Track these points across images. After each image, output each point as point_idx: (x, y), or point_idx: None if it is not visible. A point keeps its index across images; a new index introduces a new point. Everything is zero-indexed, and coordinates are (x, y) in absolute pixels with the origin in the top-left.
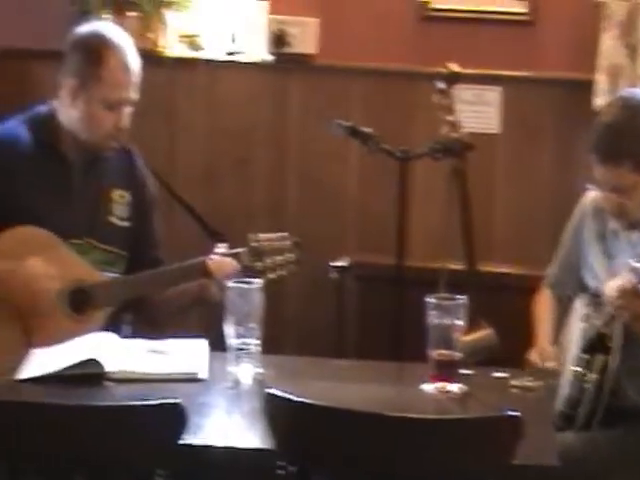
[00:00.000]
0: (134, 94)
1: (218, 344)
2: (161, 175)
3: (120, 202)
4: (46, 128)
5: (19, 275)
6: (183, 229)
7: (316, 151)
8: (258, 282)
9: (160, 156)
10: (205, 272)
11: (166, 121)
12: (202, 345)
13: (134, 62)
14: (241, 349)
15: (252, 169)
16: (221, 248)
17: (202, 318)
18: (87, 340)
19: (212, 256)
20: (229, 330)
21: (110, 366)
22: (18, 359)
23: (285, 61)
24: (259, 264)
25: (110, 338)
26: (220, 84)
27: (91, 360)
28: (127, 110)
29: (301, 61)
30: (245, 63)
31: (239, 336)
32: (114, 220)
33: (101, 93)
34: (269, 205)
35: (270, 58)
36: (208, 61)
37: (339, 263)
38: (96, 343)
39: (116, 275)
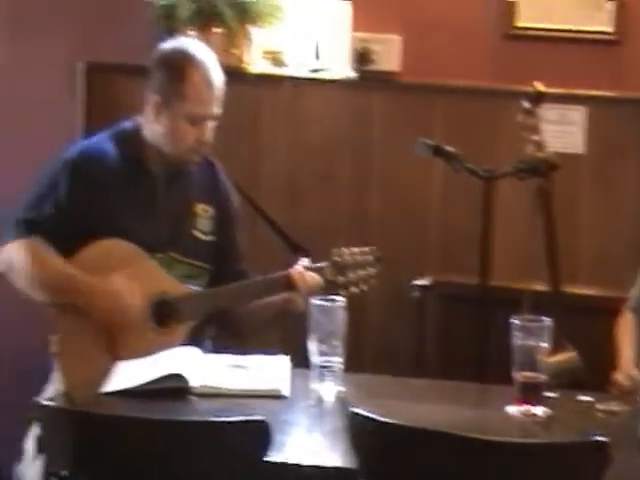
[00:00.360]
0: (217, 109)
1: (299, 361)
2: (244, 189)
3: (204, 216)
4: (131, 143)
5: (104, 289)
6: (265, 242)
7: (399, 169)
8: (341, 300)
9: (244, 171)
10: (289, 285)
11: (250, 137)
12: (284, 361)
13: (217, 78)
14: (324, 367)
15: (335, 185)
16: (304, 262)
17: (283, 334)
18: (171, 354)
19: (295, 269)
20: (312, 347)
21: (194, 381)
22: (103, 372)
23: (368, 78)
24: (341, 278)
25: (193, 352)
26: (303, 101)
27: (176, 374)
28: (210, 125)
29: (384, 79)
30: (328, 80)
31: (322, 354)
32: (198, 234)
33: (184, 109)
34: (351, 221)
35: (353, 75)
36: (292, 78)
37: (421, 282)
38: (180, 357)
39: (199, 288)
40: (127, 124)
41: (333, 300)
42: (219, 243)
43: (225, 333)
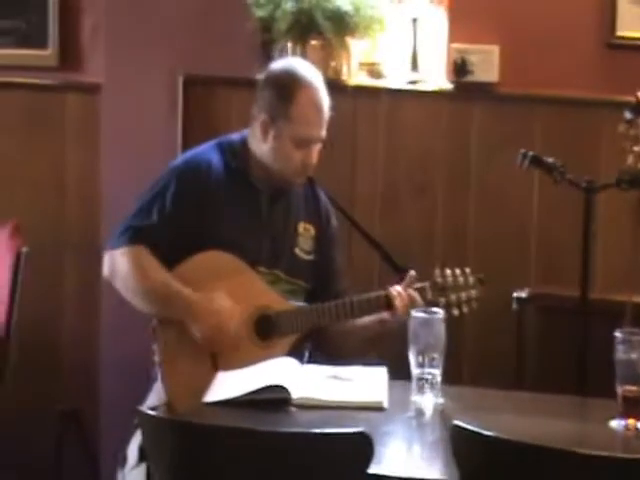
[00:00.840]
0: (323, 132)
1: (396, 372)
2: (342, 206)
3: (305, 235)
4: (238, 155)
5: (205, 308)
6: (363, 260)
7: (497, 180)
8: (441, 312)
9: (340, 183)
10: (388, 305)
11: (347, 149)
12: (381, 373)
13: (325, 100)
14: (423, 379)
15: (432, 197)
16: (410, 276)
17: (381, 350)
18: (271, 365)
19: (394, 289)
20: (411, 359)
21: (294, 392)
22: (205, 383)
23: (466, 90)
24: (442, 300)
25: (292, 363)
26: (401, 112)
27: (278, 386)
28: (316, 148)
29: (482, 89)
30: (426, 92)
31: (421, 366)
32: (299, 253)
33: (291, 131)
34: (448, 234)
35: (451, 86)
36: (389, 90)
37: (521, 294)
38: (280, 368)
39: (300, 304)
40: (234, 137)
41: (433, 312)
42: (319, 262)
43: (321, 352)
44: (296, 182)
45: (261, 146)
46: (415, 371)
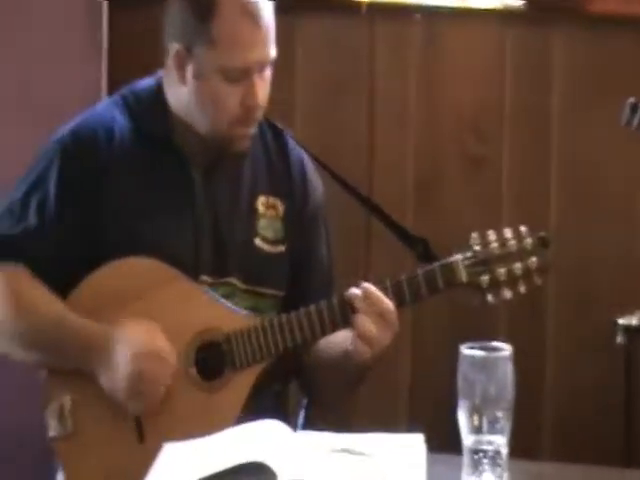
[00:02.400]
0: (268, 52)
1: (440, 441)
2: (327, 164)
3: (269, 216)
4: (152, 113)
5: (130, 346)
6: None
7: (592, 147)
8: (506, 348)
9: (352, 152)
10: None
11: (361, 100)
12: (417, 442)
13: (263, 3)
14: (480, 451)
15: (490, 172)
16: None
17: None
18: (247, 431)
19: (361, 287)
20: (462, 421)
21: (282, 474)
22: (129, 462)
23: (543, 8)
24: (485, 278)
25: (279, 429)
26: (443, 44)
27: (257, 464)
28: (263, 77)
29: (568, 9)
30: (479, 11)
31: (477, 431)
32: (261, 244)
33: (216, 60)
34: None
35: (520, 3)
36: (423, 8)
37: (629, 321)
38: (261, 436)
39: (260, 318)
40: (143, 84)
41: (493, 348)
42: (294, 255)
43: (314, 405)
44: (240, 138)
45: (179, 92)
46: (468, 439)
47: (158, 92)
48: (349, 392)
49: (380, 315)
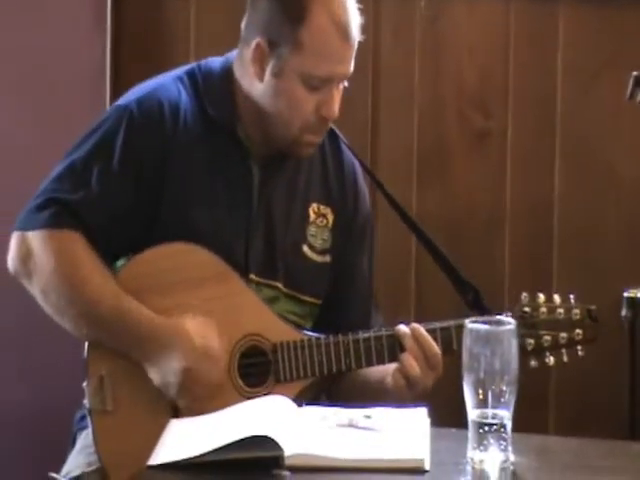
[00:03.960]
0: (351, 67)
1: (445, 415)
2: (379, 180)
3: (319, 224)
4: (220, 96)
5: (185, 343)
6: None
7: (598, 124)
8: (511, 321)
9: (355, 130)
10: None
11: (366, 76)
12: (420, 416)
13: (354, 17)
14: (485, 424)
15: (498, 151)
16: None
17: None
18: (252, 406)
19: (412, 326)
20: (467, 395)
21: (288, 447)
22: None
23: None
24: (530, 341)
25: (284, 403)
26: (448, 17)
27: (263, 437)
28: (339, 91)
29: None
30: None
31: (482, 405)
32: (309, 252)
33: (302, 65)
34: (525, 205)
35: None
36: None
37: (635, 293)
38: (265, 410)
39: (313, 334)
40: (213, 64)
41: (499, 322)
42: (337, 265)
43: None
44: (307, 145)
45: (254, 85)
46: (472, 413)
47: (229, 78)
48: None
49: (426, 358)
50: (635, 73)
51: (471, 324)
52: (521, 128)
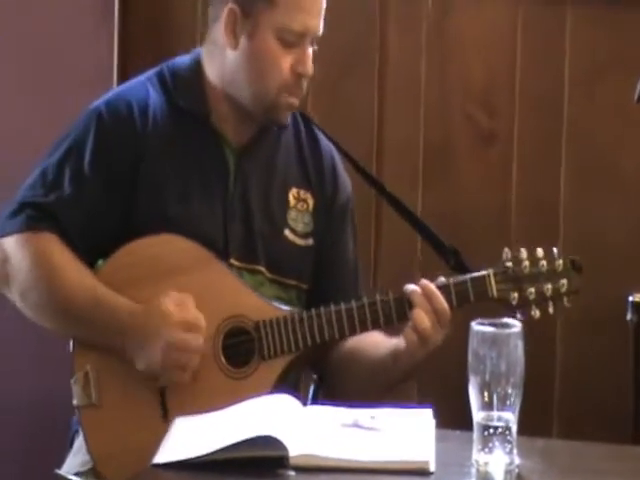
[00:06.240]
0: (321, 25)
1: (448, 417)
2: (355, 158)
3: (299, 208)
4: (190, 87)
5: (152, 316)
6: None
7: (605, 128)
8: (517, 325)
9: (361, 129)
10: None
11: (371, 75)
12: (425, 417)
13: None
14: (490, 427)
15: (504, 150)
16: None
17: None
18: (256, 405)
19: (421, 285)
20: (472, 397)
21: (292, 447)
22: (150, 436)
23: None
24: (514, 295)
25: (289, 403)
26: (455, 16)
27: (267, 437)
28: (311, 50)
29: None
30: None
31: (487, 407)
32: (290, 236)
33: (276, 21)
34: (531, 206)
35: None
36: None
37: (638, 298)
38: (271, 410)
39: (292, 309)
40: (181, 60)
41: (504, 325)
42: (321, 249)
43: (327, 387)
44: (286, 107)
45: (225, 60)
46: (478, 415)
47: (197, 69)
48: (385, 391)
49: (436, 313)
50: None
51: (477, 326)
52: (527, 128)
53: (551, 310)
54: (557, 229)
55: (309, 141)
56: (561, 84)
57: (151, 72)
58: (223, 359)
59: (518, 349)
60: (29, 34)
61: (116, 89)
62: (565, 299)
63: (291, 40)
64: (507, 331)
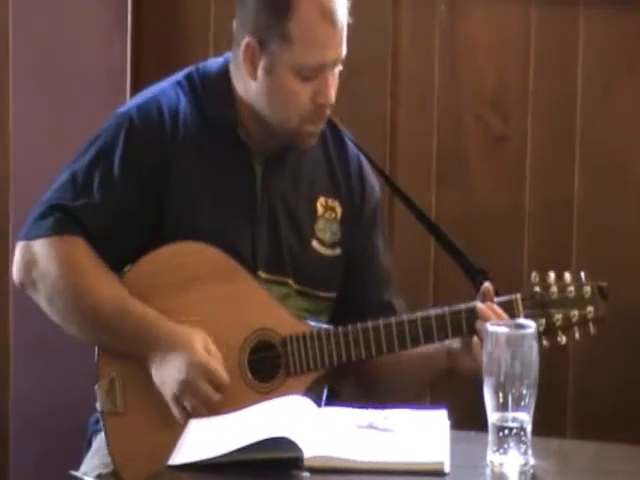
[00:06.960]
0: (342, 50)
1: (463, 418)
2: (383, 170)
3: (327, 218)
4: (218, 96)
5: (173, 342)
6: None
7: (619, 129)
8: (531, 325)
9: (373, 132)
10: (471, 328)
11: (384, 80)
12: (439, 419)
13: (339, 1)
14: (505, 427)
15: (516, 153)
16: (480, 296)
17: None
18: (270, 407)
19: (487, 302)
20: (487, 398)
21: (307, 449)
22: (170, 441)
23: None
24: (542, 320)
25: (304, 404)
26: (467, 20)
27: (282, 439)
28: (334, 76)
29: None
30: None
31: (502, 408)
32: (318, 247)
33: (292, 58)
34: (545, 209)
35: None
36: None
37: None
38: (285, 411)
39: (322, 325)
40: (211, 66)
41: (519, 326)
42: (350, 259)
43: (353, 383)
44: (308, 135)
45: (248, 85)
46: (493, 416)
47: (226, 78)
48: (425, 388)
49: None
50: None
51: (492, 327)
52: (540, 132)
53: (577, 336)
54: (570, 231)
55: (336, 147)
56: (574, 86)
57: (180, 75)
58: (249, 373)
59: (533, 350)
60: (42, 38)
61: (146, 92)
62: (590, 326)
63: (309, 74)
64: (521, 332)
